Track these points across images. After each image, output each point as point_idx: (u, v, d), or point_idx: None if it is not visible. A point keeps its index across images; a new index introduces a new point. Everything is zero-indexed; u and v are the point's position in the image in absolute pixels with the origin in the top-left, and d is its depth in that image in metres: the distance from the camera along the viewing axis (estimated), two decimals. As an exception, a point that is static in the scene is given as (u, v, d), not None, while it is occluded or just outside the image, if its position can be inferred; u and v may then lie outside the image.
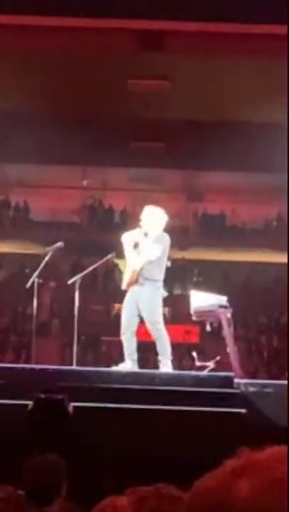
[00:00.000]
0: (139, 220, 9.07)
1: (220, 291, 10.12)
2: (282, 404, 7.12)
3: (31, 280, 9.59)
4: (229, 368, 8.99)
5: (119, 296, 9.04)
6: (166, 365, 8.67)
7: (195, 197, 28.69)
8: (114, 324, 10.82)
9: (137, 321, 8.79)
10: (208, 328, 10.04)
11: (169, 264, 9.21)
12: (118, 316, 9.11)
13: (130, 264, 8.88)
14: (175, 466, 5.99)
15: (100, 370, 9.68)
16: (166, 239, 8.91)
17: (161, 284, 8.86)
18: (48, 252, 9.95)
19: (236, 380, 8.06)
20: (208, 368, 9.78)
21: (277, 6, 12.59)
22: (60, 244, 9.98)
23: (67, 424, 6.92)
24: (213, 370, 9.64)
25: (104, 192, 29.04)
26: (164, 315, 9.15)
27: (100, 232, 26.11)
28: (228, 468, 1.06)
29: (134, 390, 7.66)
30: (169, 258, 9.17)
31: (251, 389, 7.82)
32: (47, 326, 25.24)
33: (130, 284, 8.81)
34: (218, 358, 9.99)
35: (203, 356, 12.35)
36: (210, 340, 19.39)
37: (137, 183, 26.93)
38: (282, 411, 7.03)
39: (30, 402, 7.05)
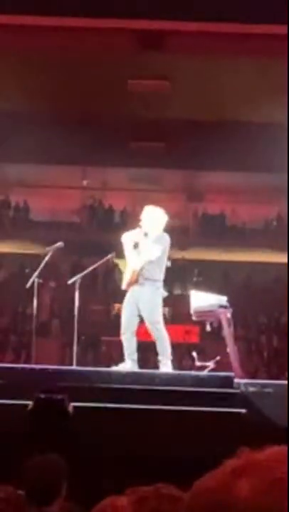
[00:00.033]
0: (139, 220, 9.07)
1: (220, 291, 10.11)
2: (282, 404, 7.12)
3: (31, 280, 9.59)
4: (229, 368, 8.99)
5: (119, 296, 9.04)
6: (166, 365, 8.67)
7: (195, 197, 28.69)
8: (114, 324, 10.83)
9: (137, 321, 8.79)
10: (208, 328, 10.03)
11: (169, 264, 9.21)
12: (118, 316, 9.11)
13: (130, 264, 8.88)
14: (175, 466, 5.99)
15: (100, 370, 9.68)
16: (166, 239, 8.91)
17: (161, 284, 8.86)
18: (48, 252, 9.94)
19: (236, 380, 8.06)
20: (208, 368, 9.78)
21: (278, 6, 12.59)
22: (60, 244, 9.98)
23: (68, 424, 6.92)
24: (213, 370, 9.64)
25: (104, 192, 29.04)
26: (164, 315, 9.15)
27: (100, 232, 26.11)
28: (228, 468, 1.06)
29: (134, 390, 7.66)
30: (169, 258, 9.17)
31: (251, 389, 7.82)
32: (47, 326, 25.24)
33: (130, 284, 8.81)
34: (218, 358, 9.99)
35: (203, 356, 12.35)
36: (210, 340, 19.39)
37: (137, 183, 26.93)
38: (282, 411, 7.03)
39: (30, 402, 7.05)
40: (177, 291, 25.38)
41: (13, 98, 19.18)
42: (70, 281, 10.04)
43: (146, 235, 8.86)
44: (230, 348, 9.13)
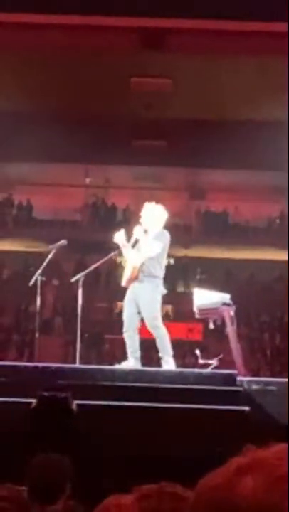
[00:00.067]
0: (140, 217, 9.08)
1: (223, 289, 10.11)
2: (285, 402, 7.12)
3: (34, 278, 9.59)
4: (232, 366, 8.99)
5: (122, 294, 9.05)
6: (168, 362, 8.66)
7: (197, 195, 28.69)
8: (117, 322, 10.84)
9: (138, 318, 8.79)
10: (211, 325, 10.03)
11: (172, 262, 9.22)
12: (121, 314, 9.10)
13: (130, 261, 8.89)
14: (178, 463, 5.99)
15: (103, 368, 9.68)
16: (166, 236, 8.90)
17: (161, 281, 8.85)
18: (51, 250, 9.94)
19: (239, 378, 8.06)
20: (211, 365, 9.78)
21: (278, 4, 12.58)
22: (63, 242, 9.97)
23: (71, 422, 6.93)
24: (216, 367, 9.64)
25: (106, 190, 29.05)
26: (167, 313, 9.17)
27: (103, 230, 26.09)
28: (233, 466, 1.06)
29: (137, 388, 7.67)
30: (172, 256, 9.18)
31: (254, 387, 7.82)
32: (50, 324, 25.27)
33: (130, 280, 8.82)
34: (221, 355, 9.99)
35: (207, 354, 12.35)
36: (213, 338, 19.40)
37: (139, 181, 26.93)
38: (285, 409, 7.03)
39: (33, 400, 7.05)
40: (180, 289, 25.40)
41: (15, 97, 19.20)
42: (73, 280, 10.03)
43: (146, 231, 8.86)
44: (234, 346, 9.12)
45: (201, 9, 13.07)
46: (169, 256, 9.09)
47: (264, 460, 1.05)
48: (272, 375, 20.07)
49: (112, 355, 21.17)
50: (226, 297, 9.30)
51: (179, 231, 23.10)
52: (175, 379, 8.09)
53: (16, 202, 28.66)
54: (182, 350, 19.73)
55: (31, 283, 9.61)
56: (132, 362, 8.71)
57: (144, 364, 9.00)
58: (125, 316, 8.86)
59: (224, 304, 9.18)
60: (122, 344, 9.10)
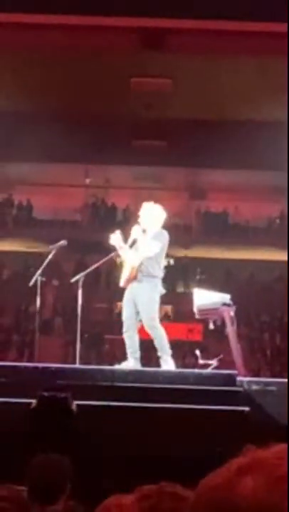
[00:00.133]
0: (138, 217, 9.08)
1: (223, 289, 10.10)
2: (285, 402, 7.12)
3: (34, 278, 9.59)
4: (232, 366, 8.99)
5: (122, 294, 9.04)
6: (166, 361, 8.65)
7: (197, 195, 28.69)
8: (117, 322, 10.84)
9: (138, 318, 8.78)
10: (211, 326, 10.03)
11: (172, 262, 9.22)
12: (121, 315, 9.09)
13: (128, 261, 8.88)
14: (178, 463, 5.99)
15: (103, 368, 9.68)
16: (165, 235, 8.88)
17: (159, 281, 8.84)
18: (51, 251, 9.94)
19: (239, 378, 8.05)
20: (211, 366, 9.77)
21: (278, 4, 12.58)
22: (63, 242, 9.97)
23: (71, 422, 6.93)
24: (216, 368, 9.63)
25: (106, 190, 29.05)
26: (167, 313, 9.16)
27: (103, 230, 26.06)
28: (234, 466, 1.06)
29: (137, 388, 7.67)
30: (172, 256, 9.18)
31: (254, 387, 7.82)
32: (50, 324, 25.27)
33: (129, 280, 8.81)
34: (221, 356, 9.98)
35: (207, 354, 12.35)
36: (213, 339, 19.39)
37: (139, 182, 26.93)
38: (285, 409, 7.03)
39: (33, 401, 7.05)
40: (180, 289, 25.37)
41: (15, 97, 19.21)
42: (73, 280, 10.03)
43: (144, 231, 8.85)
44: (234, 346, 9.12)
45: (201, 9, 13.08)
46: (169, 256, 9.09)
47: (264, 460, 1.05)
48: (273, 376, 20.07)
49: (112, 355, 21.17)
50: (226, 297, 9.29)
51: (178, 231, 23.11)
52: (175, 379, 8.09)
53: (16, 202, 28.66)
54: (182, 351, 19.73)
55: (31, 283, 9.61)
56: (131, 362, 8.70)
57: (144, 364, 9.00)
58: (125, 317, 8.86)
59: (224, 304, 9.18)
60: (122, 344, 9.09)
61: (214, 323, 9.96)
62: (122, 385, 7.71)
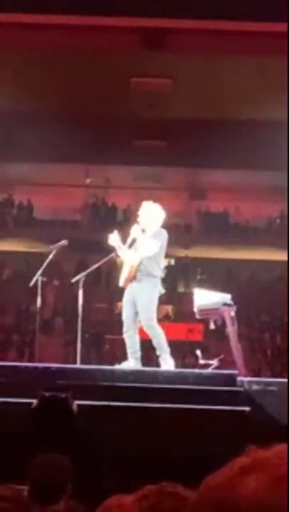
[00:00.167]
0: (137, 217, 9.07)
1: (223, 289, 10.10)
2: (285, 402, 7.12)
3: (35, 278, 9.58)
4: (233, 366, 8.99)
5: (123, 294, 9.04)
6: (166, 360, 8.64)
7: (198, 195, 28.70)
8: (117, 322, 10.84)
9: (138, 318, 8.78)
10: (211, 326, 10.02)
11: (172, 262, 9.21)
12: (121, 315, 9.09)
13: (127, 260, 8.88)
14: (178, 463, 5.99)
15: (103, 368, 9.68)
16: (164, 234, 8.87)
17: (159, 280, 8.84)
18: (52, 251, 9.94)
19: (240, 378, 8.05)
20: (211, 366, 9.77)
21: (278, 4, 12.59)
22: (63, 242, 9.96)
23: (72, 422, 6.93)
24: (216, 368, 9.63)
25: (107, 190, 29.06)
26: (167, 313, 9.16)
27: (103, 230, 26.07)
28: (236, 466, 1.06)
29: (137, 388, 7.67)
30: (172, 256, 9.18)
31: (255, 387, 7.81)
32: (50, 324, 25.27)
33: (128, 280, 8.80)
34: (221, 356, 9.98)
35: (207, 354, 12.34)
36: (213, 339, 19.39)
37: (139, 181, 26.94)
38: (285, 409, 7.03)
39: (34, 401, 7.05)
40: (181, 289, 25.37)
41: (15, 97, 19.20)
42: (73, 280, 10.03)
43: (143, 231, 8.85)
44: (234, 346, 9.12)
45: (201, 9, 13.08)
46: (170, 256, 9.09)
47: (265, 460, 1.05)
48: (273, 376, 20.07)
49: (112, 355, 21.16)
50: (227, 297, 9.29)
51: (179, 231, 23.12)
52: (175, 379, 8.09)
53: (16, 202, 28.68)
54: (182, 351, 19.73)
55: (32, 283, 9.61)
56: (132, 362, 8.70)
57: (144, 364, 9.00)
58: (125, 317, 8.85)
59: (225, 304, 9.18)
60: (123, 344, 9.09)
61: (215, 323, 9.96)
62: (123, 385, 7.71)
